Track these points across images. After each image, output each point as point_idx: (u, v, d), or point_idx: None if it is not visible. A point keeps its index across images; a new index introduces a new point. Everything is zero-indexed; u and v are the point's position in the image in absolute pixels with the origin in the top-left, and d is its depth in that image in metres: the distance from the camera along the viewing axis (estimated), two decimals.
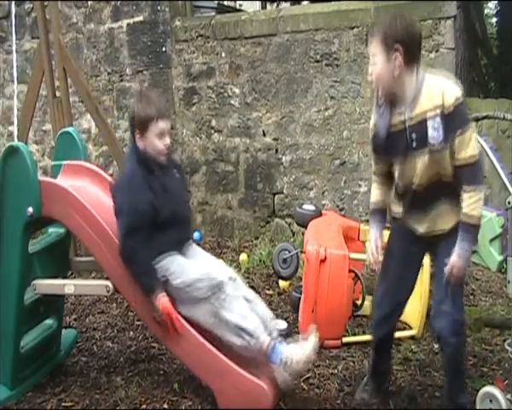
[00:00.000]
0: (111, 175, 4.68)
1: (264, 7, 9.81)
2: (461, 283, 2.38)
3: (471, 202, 2.21)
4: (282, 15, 4.84)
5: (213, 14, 5.67)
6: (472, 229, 2.24)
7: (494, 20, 10.37)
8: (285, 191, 4.96)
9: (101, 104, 5.14)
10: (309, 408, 2.65)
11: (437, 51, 4.40)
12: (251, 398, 2.52)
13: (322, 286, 3.10)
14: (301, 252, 3.44)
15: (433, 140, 2.20)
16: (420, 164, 2.25)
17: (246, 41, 4.92)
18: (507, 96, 5.35)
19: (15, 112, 4.40)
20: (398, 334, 2.80)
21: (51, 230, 3.09)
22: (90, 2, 5.43)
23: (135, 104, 2.78)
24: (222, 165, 5.15)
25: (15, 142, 3.09)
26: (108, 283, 2.73)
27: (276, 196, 5.00)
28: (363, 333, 3.31)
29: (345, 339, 3.21)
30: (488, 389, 2.41)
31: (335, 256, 3.13)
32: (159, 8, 5.18)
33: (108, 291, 2.73)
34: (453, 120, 2.16)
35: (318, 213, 3.76)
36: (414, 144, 2.24)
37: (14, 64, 4.40)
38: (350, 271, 3.19)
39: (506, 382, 2.47)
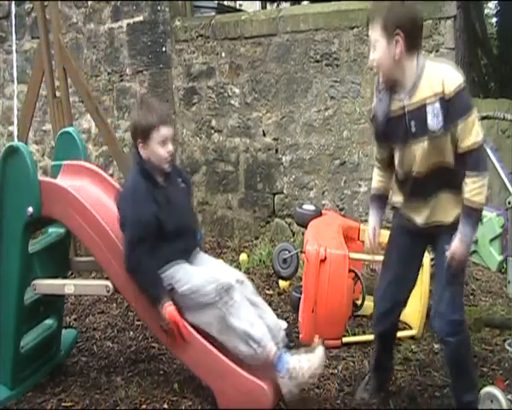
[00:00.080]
0: (111, 175, 4.71)
1: (264, 7, 9.81)
2: (461, 280, 2.38)
3: (474, 187, 2.18)
4: (282, 15, 4.84)
5: (213, 14, 5.67)
6: (474, 213, 2.20)
7: (494, 20, 10.37)
8: (285, 191, 4.96)
9: (101, 104, 5.14)
10: (309, 408, 2.65)
11: (437, 51, 4.39)
12: (251, 398, 2.52)
13: (322, 286, 3.10)
14: (301, 252, 3.43)
15: (433, 126, 2.18)
16: (419, 151, 2.23)
17: (246, 41, 4.92)
18: (507, 96, 5.35)
19: (15, 112, 4.39)
20: (398, 334, 2.80)
21: (51, 230, 3.09)
22: (90, 2, 5.43)
23: (135, 113, 2.76)
24: (222, 165, 5.15)
25: (15, 142, 3.09)
26: (108, 283, 2.73)
27: (276, 196, 5.00)
28: (363, 333, 3.32)
29: (345, 339, 3.21)
30: (489, 389, 2.41)
31: (335, 256, 3.13)
32: (159, 8, 5.18)
33: (108, 291, 2.73)
34: (454, 106, 2.14)
35: (318, 213, 3.76)
36: (413, 131, 2.23)
37: (14, 64, 4.40)
38: (350, 271, 3.19)
39: (507, 382, 2.47)
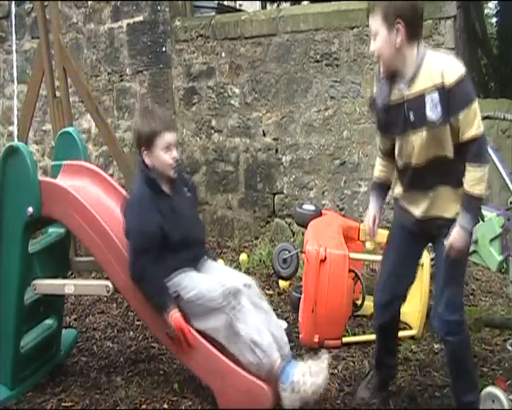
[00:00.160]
0: (111, 175, 4.71)
1: (264, 7, 9.81)
2: (461, 280, 2.38)
3: (474, 176, 2.17)
4: (282, 15, 4.84)
5: (213, 14, 5.67)
6: (473, 202, 2.19)
7: (494, 20, 10.38)
8: (285, 191, 4.96)
9: (101, 104, 5.14)
10: (309, 408, 2.65)
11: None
12: (251, 398, 2.52)
13: (322, 286, 3.10)
14: (301, 252, 3.43)
15: (432, 117, 2.17)
16: (418, 141, 2.23)
17: (246, 41, 4.91)
18: (507, 96, 5.35)
19: (15, 112, 4.39)
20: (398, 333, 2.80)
21: (51, 230, 3.09)
22: (90, 2, 5.43)
23: (138, 121, 2.76)
24: (222, 165, 5.15)
25: (15, 142, 3.09)
26: (108, 283, 2.73)
27: (276, 196, 5.00)
28: (363, 333, 3.32)
29: (345, 339, 3.21)
30: (491, 389, 2.41)
31: (335, 256, 3.13)
32: (159, 8, 5.18)
33: (108, 291, 2.73)
34: (455, 97, 2.13)
35: (318, 213, 3.76)
36: (412, 120, 2.23)
37: (14, 64, 4.40)
38: (350, 271, 3.19)
39: (508, 382, 2.47)
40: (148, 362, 3.12)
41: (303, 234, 3.79)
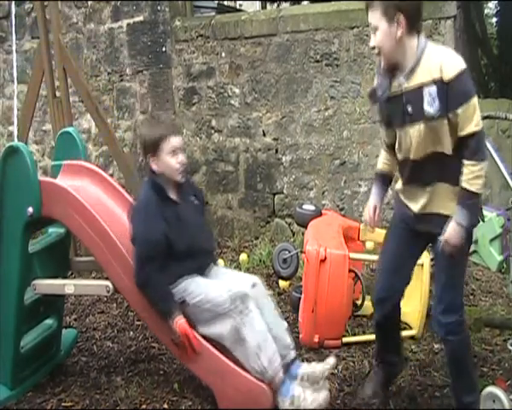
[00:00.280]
0: (111, 175, 4.71)
1: (264, 7, 9.82)
2: (461, 280, 2.38)
3: (472, 171, 2.16)
4: (282, 15, 4.84)
5: (213, 14, 5.68)
6: (471, 197, 2.18)
7: (494, 20, 10.39)
8: (285, 191, 4.96)
9: (101, 104, 5.14)
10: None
11: None
12: (251, 398, 2.52)
13: (322, 286, 3.10)
14: (301, 252, 3.44)
15: (429, 110, 2.17)
16: (416, 134, 2.23)
17: (246, 41, 4.91)
18: (507, 96, 5.36)
19: (15, 112, 4.39)
20: None
21: (51, 230, 3.09)
22: (90, 2, 5.42)
23: (144, 129, 2.76)
24: (222, 165, 5.15)
25: (15, 142, 3.10)
26: (108, 283, 2.73)
27: (276, 196, 5.00)
28: (363, 333, 3.32)
29: (345, 339, 3.21)
30: (491, 389, 2.40)
31: (335, 256, 3.13)
32: (159, 8, 5.18)
33: (108, 291, 2.73)
34: (453, 92, 2.13)
35: (318, 213, 3.76)
36: (410, 113, 2.23)
37: (14, 64, 4.39)
38: (350, 271, 3.19)
39: (508, 382, 2.47)
40: (148, 362, 3.12)
41: (303, 234, 3.79)
